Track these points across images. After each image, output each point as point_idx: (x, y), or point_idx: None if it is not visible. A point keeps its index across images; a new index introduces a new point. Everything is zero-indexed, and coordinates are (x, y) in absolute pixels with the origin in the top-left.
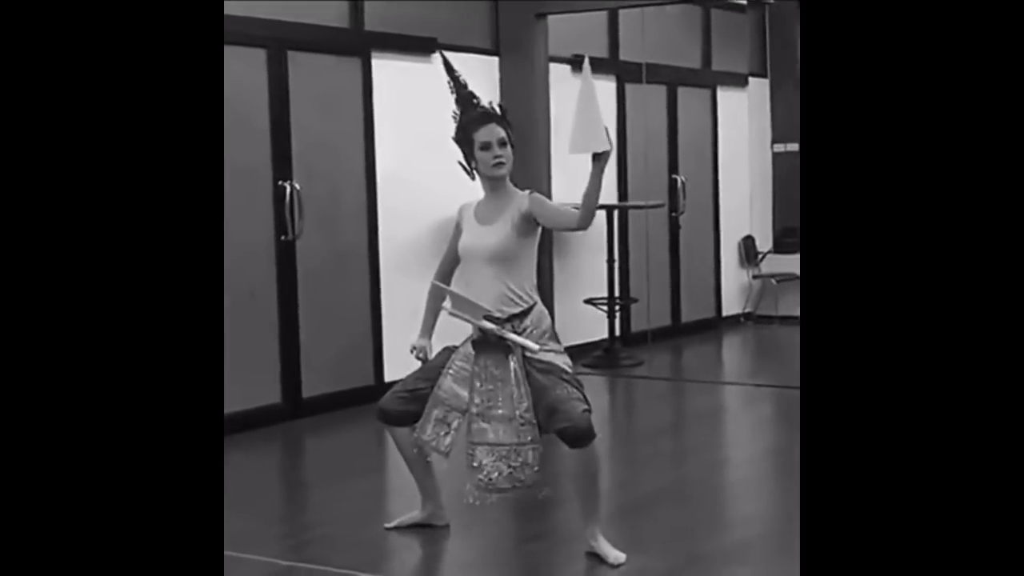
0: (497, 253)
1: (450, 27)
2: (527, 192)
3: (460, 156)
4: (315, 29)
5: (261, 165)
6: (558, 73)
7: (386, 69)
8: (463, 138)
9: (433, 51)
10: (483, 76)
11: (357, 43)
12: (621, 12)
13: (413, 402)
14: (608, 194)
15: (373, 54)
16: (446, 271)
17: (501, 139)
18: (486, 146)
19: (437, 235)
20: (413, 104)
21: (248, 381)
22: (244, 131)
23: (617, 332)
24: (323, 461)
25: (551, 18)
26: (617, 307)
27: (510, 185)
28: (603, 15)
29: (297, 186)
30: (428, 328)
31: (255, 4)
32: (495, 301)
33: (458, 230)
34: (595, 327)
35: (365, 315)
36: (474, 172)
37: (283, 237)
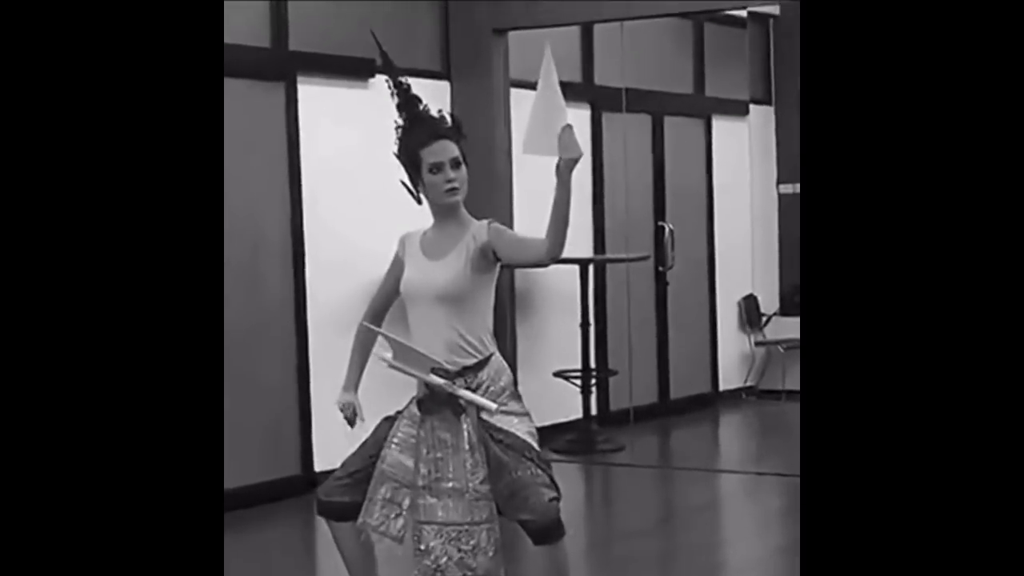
0: (448, 293)
1: (391, 46)
2: (485, 221)
3: (403, 175)
4: (230, 49)
5: None
6: (521, 100)
7: (315, 96)
8: (408, 157)
9: (371, 75)
10: (431, 103)
11: (279, 65)
12: (597, 28)
13: (357, 489)
14: (582, 245)
15: (299, 78)
16: (378, 311)
17: (454, 159)
18: (437, 167)
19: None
20: (347, 137)
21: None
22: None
23: (593, 411)
24: (241, 567)
25: (513, 35)
26: (593, 381)
27: (464, 212)
28: (575, 31)
29: None
30: (354, 380)
31: None
32: (444, 351)
33: (398, 264)
34: (567, 405)
35: (290, 390)
36: (420, 197)
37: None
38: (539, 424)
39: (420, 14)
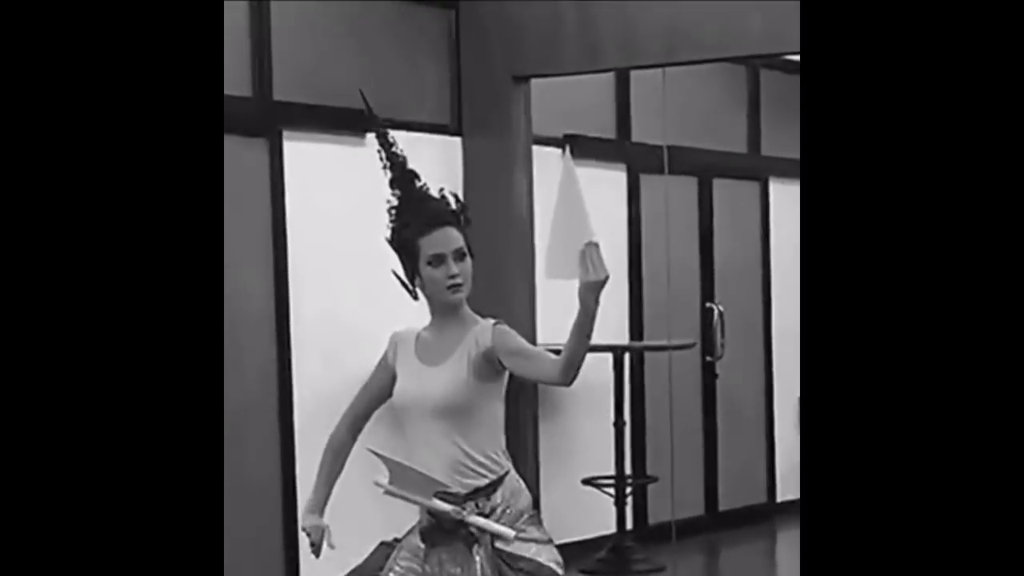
0: (447, 405)
1: (392, 96)
2: (490, 322)
3: (397, 264)
4: None
5: None
6: (545, 159)
7: (302, 153)
8: (403, 245)
9: (367, 129)
10: (440, 163)
11: (262, 118)
12: (634, 75)
13: None
14: (616, 330)
15: (285, 134)
16: (358, 420)
17: (458, 250)
18: (437, 260)
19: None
20: (339, 201)
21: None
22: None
23: (629, 524)
24: None
25: (537, 84)
26: (628, 489)
27: (467, 310)
28: (608, 80)
29: None
30: (321, 501)
31: None
32: (448, 471)
33: (385, 369)
34: (598, 517)
35: (273, 500)
36: (417, 292)
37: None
38: (566, 539)
39: (427, 59)
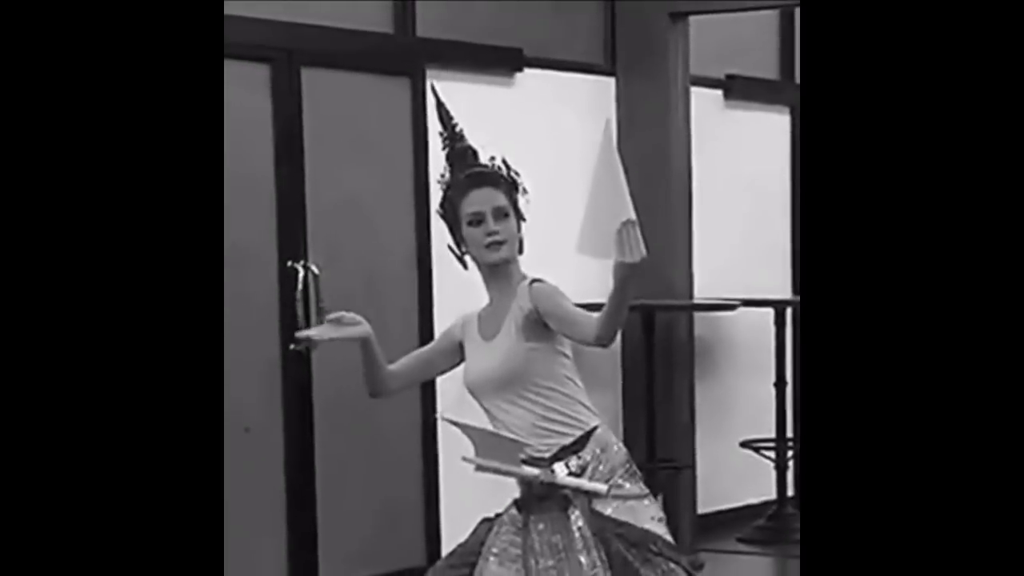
0: (507, 376)
1: (543, 35)
2: (527, 282)
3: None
4: (342, 36)
5: (259, 239)
6: (705, 101)
7: (447, 94)
8: (450, 211)
9: (517, 68)
10: (593, 104)
11: (405, 56)
12: (799, 12)
13: None
14: (778, 282)
15: (429, 72)
16: (404, 366)
17: (499, 208)
18: (476, 218)
19: None
20: (489, 144)
21: (239, 563)
22: (233, 187)
23: (790, 491)
24: None
25: (695, 21)
26: (790, 453)
27: (516, 275)
28: (771, 17)
29: (315, 270)
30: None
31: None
32: (527, 435)
33: (448, 338)
34: (757, 483)
35: (414, 464)
36: (465, 258)
37: (292, 346)
38: (723, 506)
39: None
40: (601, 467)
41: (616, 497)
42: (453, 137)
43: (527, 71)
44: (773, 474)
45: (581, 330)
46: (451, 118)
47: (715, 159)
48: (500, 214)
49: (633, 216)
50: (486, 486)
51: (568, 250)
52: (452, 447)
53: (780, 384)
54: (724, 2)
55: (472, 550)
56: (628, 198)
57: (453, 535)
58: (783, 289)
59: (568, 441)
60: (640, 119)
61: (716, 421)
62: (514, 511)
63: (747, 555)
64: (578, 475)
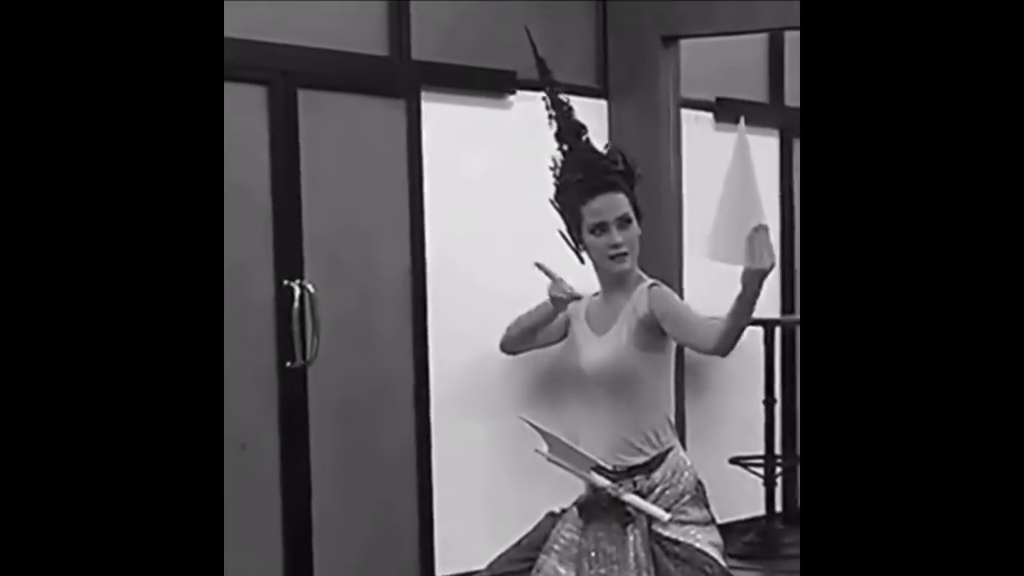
0: (608, 376)
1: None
2: (647, 284)
3: (561, 224)
4: (338, 58)
5: (257, 257)
6: (695, 123)
7: (442, 115)
8: (567, 205)
9: (510, 90)
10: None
11: (401, 78)
12: (788, 36)
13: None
14: (767, 301)
15: (424, 94)
16: (534, 326)
17: (622, 217)
18: (600, 228)
19: (522, 361)
20: (483, 165)
21: None
22: (231, 207)
23: (778, 506)
24: None
25: (686, 45)
26: (778, 470)
27: (635, 274)
28: (760, 41)
29: (310, 288)
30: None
31: (252, 23)
32: (608, 446)
33: (564, 315)
34: (746, 499)
35: (410, 481)
36: (582, 255)
37: (288, 363)
38: None
39: (572, 17)
40: (668, 491)
41: (676, 522)
42: (560, 108)
43: (520, 93)
44: (762, 490)
45: (699, 336)
46: (558, 94)
47: (705, 180)
48: (623, 222)
49: (765, 221)
50: (482, 503)
51: (567, 266)
52: (447, 464)
53: (769, 401)
54: (715, 26)
55: (535, 544)
56: (760, 202)
57: (448, 552)
58: (772, 308)
59: (642, 460)
60: (632, 141)
61: (706, 438)
62: (576, 512)
63: (736, 570)
64: (645, 495)
